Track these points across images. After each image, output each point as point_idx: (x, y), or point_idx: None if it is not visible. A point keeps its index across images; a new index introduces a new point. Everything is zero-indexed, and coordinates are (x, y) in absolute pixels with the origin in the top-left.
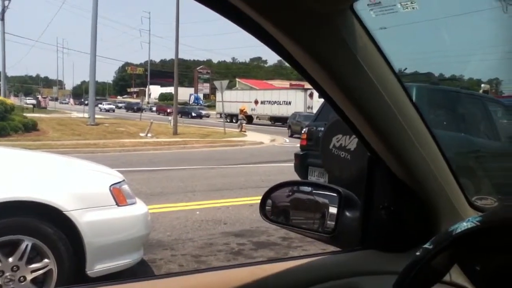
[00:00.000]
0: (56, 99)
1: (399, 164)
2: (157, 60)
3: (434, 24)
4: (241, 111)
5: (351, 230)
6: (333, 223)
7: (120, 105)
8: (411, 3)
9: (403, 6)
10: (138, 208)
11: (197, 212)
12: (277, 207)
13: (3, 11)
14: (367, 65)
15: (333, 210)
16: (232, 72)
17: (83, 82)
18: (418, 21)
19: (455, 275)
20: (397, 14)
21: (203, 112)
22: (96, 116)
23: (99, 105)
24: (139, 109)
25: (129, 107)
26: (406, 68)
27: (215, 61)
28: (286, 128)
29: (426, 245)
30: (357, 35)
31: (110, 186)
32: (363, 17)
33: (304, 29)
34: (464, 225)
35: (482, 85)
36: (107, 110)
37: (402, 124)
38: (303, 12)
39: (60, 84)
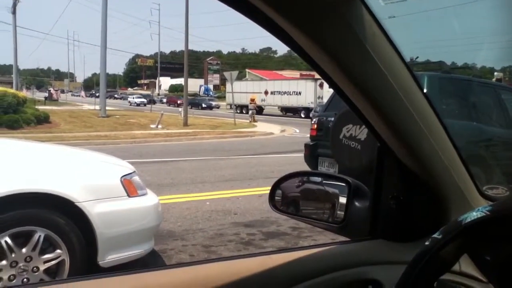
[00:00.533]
0: (63, 92)
1: (409, 154)
2: (167, 51)
3: (445, 12)
4: (252, 100)
5: (361, 220)
6: (343, 213)
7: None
8: None
9: None
10: (149, 199)
11: (207, 203)
12: (287, 197)
13: (15, 4)
14: (376, 54)
15: (342, 200)
16: (242, 63)
17: (94, 74)
18: (429, 9)
19: (465, 264)
20: (406, 2)
21: (213, 103)
22: (107, 108)
23: (129, 99)
24: (151, 101)
25: None
26: (417, 57)
27: (224, 52)
28: (296, 118)
29: (436, 235)
30: (366, 24)
31: (121, 177)
32: (371, 6)
33: (313, 20)
34: (474, 215)
35: (496, 73)
36: (138, 104)
37: (412, 113)
38: (311, 2)
39: (71, 76)
